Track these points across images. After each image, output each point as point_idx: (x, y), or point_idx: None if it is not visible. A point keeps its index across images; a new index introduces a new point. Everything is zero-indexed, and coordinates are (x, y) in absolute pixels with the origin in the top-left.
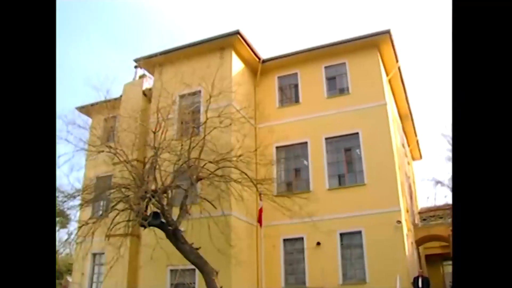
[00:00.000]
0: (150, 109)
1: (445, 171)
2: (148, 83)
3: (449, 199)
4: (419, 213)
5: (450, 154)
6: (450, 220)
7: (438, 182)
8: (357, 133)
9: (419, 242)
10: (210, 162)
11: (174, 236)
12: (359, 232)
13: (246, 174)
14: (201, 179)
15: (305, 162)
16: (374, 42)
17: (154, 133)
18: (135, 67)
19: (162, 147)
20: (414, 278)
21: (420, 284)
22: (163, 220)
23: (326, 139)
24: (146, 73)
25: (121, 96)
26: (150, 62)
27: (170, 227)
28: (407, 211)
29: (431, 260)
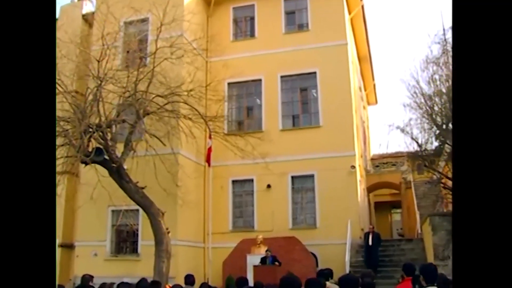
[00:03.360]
0: (92, 36)
1: (400, 117)
2: (88, 6)
3: (402, 147)
4: (372, 159)
5: (407, 100)
6: (402, 167)
7: (398, 128)
8: (315, 73)
9: (370, 189)
10: (159, 96)
11: (118, 174)
12: (312, 176)
13: (197, 110)
14: (148, 113)
15: (258, 101)
16: None
17: (98, 61)
18: None
19: (107, 78)
20: (365, 234)
21: (370, 241)
22: (106, 156)
23: (281, 77)
24: None
25: (57, 19)
26: None
27: (114, 164)
28: (361, 157)
29: (380, 207)
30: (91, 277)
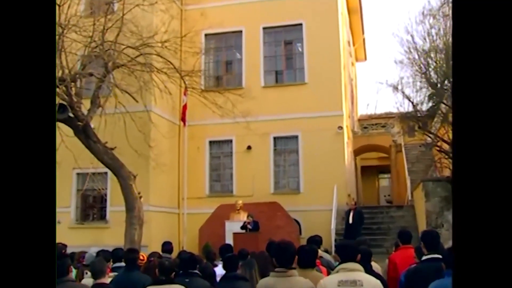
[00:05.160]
0: None
1: (390, 76)
2: None
3: (392, 107)
4: (359, 120)
5: (399, 57)
6: (393, 130)
7: (392, 85)
8: (301, 24)
9: (357, 152)
10: (130, 47)
11: (84, 134)
12: (295, 137)
13: (171, 64)
14: (118, 66)
15: (238, 55)
16: None
17: (59, 6)
18: None
19: (70, 25)
20: (346, 212)
21: (350, 219)
22: (71, 114)
23: (264, 28)
24: None
25: None
26: None
27: (79, 123)
28: (349, 117)
29: (367, 172)
30: (65, 246)
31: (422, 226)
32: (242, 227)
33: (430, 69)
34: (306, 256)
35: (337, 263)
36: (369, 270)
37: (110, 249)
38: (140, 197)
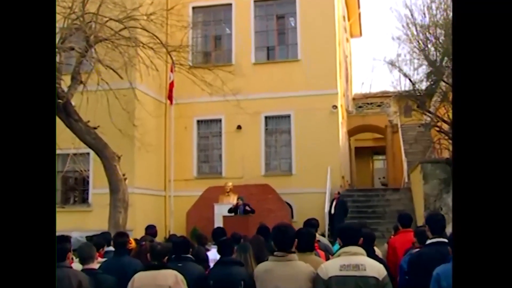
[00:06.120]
0: None
1: (387, 53)
2: None
3: (388, 86)
4: (353, 99)
5: (398, 33)
6: (388, 109)
7: (391, 61)
8: None
9: (351, 133)
10: (113, 19)
11: (65, 112)
12: (288, 116)
13: (158, 38)
14: (101, 40)
15: (228, 29)
16: None
17: None
18: None
19: None
20: (331, 201)
21: (332, 209)
22: None
23: (255, 1)
24: None
25: None
26: None
27: (59, 100)
28: (343, 96)
29: (361, 153)
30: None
31: (419, 209)
32: (229, 211)
33: (429, 45)
34: (305, 239)
35: (339, 246)
36: (371, 254)
37: (93, 234)
38: (125, 179)
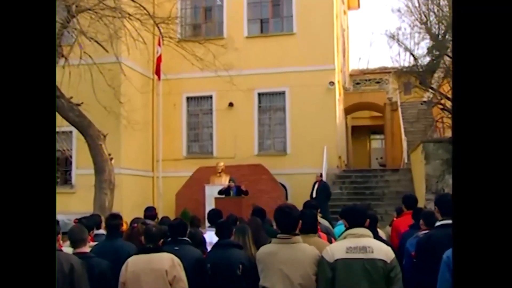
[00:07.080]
0: None
1: (386, 26)
2: None
3: (387, 62)
4: (350, 75)
5: (398, 4)
6: (387, 86)
7: (392, 35)
8: None
9: (347, 110)
10: None
11: None
12: (282, 93)
13: (145, 9)
14: (83, 10)
15: (219, 0)
16: None
17: None
18: None
19: None
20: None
21: (314, 193)
22: None
23: None
24: None
25: None
26: None
27: None
28: (340, 72)
29: (358, 132)
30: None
31: (420, 191)
32: (220, 192)
33: (431, 17)
34: (308, 221)
35: (344, 228)
36: (376, 236)
37: (77, 217)
38: (111, 159)
